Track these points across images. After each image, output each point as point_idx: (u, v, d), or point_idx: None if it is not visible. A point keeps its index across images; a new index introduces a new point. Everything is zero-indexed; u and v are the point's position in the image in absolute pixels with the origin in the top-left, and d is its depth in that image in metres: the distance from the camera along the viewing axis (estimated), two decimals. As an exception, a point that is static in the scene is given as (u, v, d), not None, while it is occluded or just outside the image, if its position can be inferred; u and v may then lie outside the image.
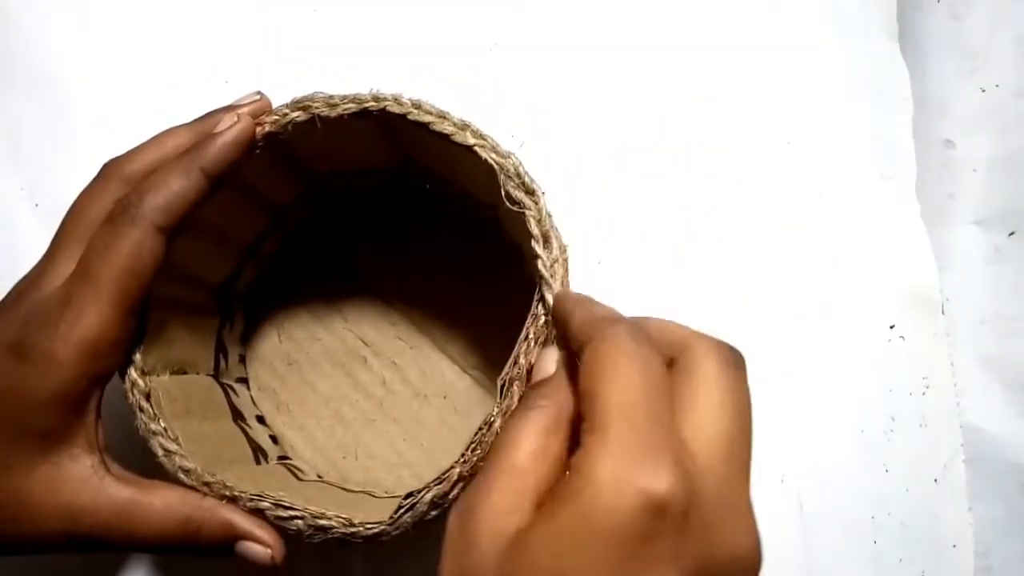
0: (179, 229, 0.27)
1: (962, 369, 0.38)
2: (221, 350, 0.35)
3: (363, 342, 0.38)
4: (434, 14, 0.41)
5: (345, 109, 0.28)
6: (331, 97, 0.28)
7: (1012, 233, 0.38)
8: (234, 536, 0.27)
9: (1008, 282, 0.38)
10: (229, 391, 0.35)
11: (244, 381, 0.37)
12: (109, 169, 0.28)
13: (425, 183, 0.35)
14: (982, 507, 0.37)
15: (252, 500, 0.26)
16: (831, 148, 0.40)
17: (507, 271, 0.35)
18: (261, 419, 0.36)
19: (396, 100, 0.28)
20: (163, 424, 0.27)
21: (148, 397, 0.27)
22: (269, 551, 0.27)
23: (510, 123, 0.39)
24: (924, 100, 0.40)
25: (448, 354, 0.37)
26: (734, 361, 0.21)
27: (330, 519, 0.26)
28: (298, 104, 0.28)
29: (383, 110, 0.28)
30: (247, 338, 0.38)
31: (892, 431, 0.38)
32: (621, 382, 0.19)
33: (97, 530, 0.26)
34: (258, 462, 0.33)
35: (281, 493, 0.27)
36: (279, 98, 0.29)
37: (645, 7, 0.41)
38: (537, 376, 0.23)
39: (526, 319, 0.26)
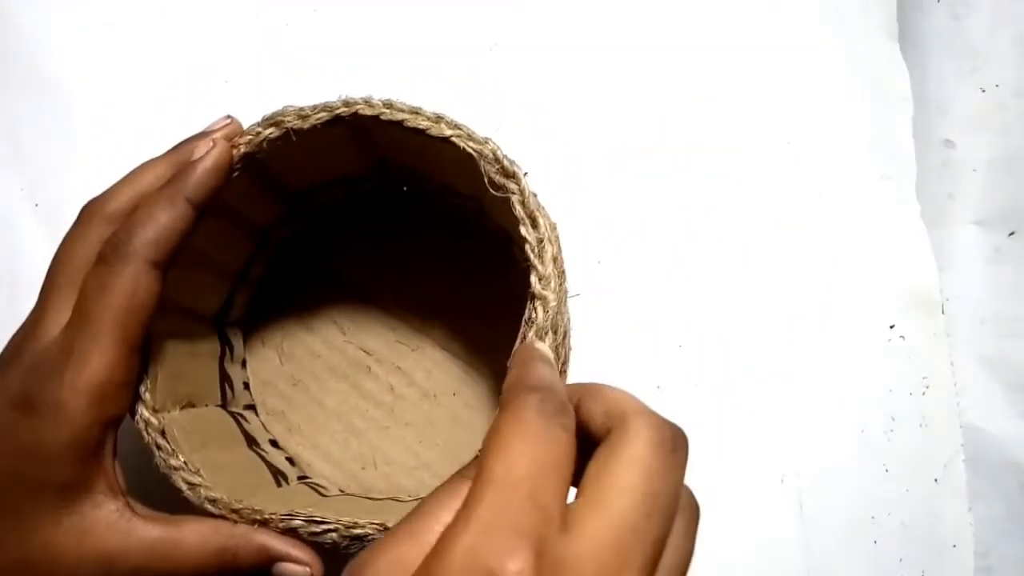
0: (172, 262, 0.27)
1: (962, 369, 0.38)
2: (225, 380, 0.35)
3: (364, 351, 0.37)
4: (434, 14, 0.41)
5: (318, 119, 0.28)
6: (301, 109, 0.28)
7: (1012, 233, 0.38)
8: (270, 559, 0.26)
9: (1008, 282, 0.38)
10: (239, 419, 0.35)
11: (252, 408, 0.37)
12: (89, 210, 0.27)
13: (402, 185, 0.35)
14: (982, 507, 0.37)
15: (284, 520, 0.26)
16: (831, 148, 0.40)
17: (498, 259, 0.35)
18: (274, 443, 0.36)
19: (367, 103, 0.27)
20: (183, 458, 0.27)
21: (163, 434, 0.27)
22: (307, 569, 0.26)
23: (510, 123, 0.39)
24: (924, 100, 0.40)
25: (451, 351, 0.37)
26: (670, 445, 0.19)
27: (364, 527, 0.26)
28: (270, 121, 0.28)
29: (355, 114, 0.27)
30: (248, 364, 0.37)
31: (892, 431, 0.38)
32: (506, 456, 0.18)
33: (132, 572, 0.25)
34: (279, 485, 0.32)
35: (310, 509, 0.26)
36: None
37: (645, 7, 0.41)
38: None
39: (523, 302, 0.26)
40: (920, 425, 0.38)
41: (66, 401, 0.24)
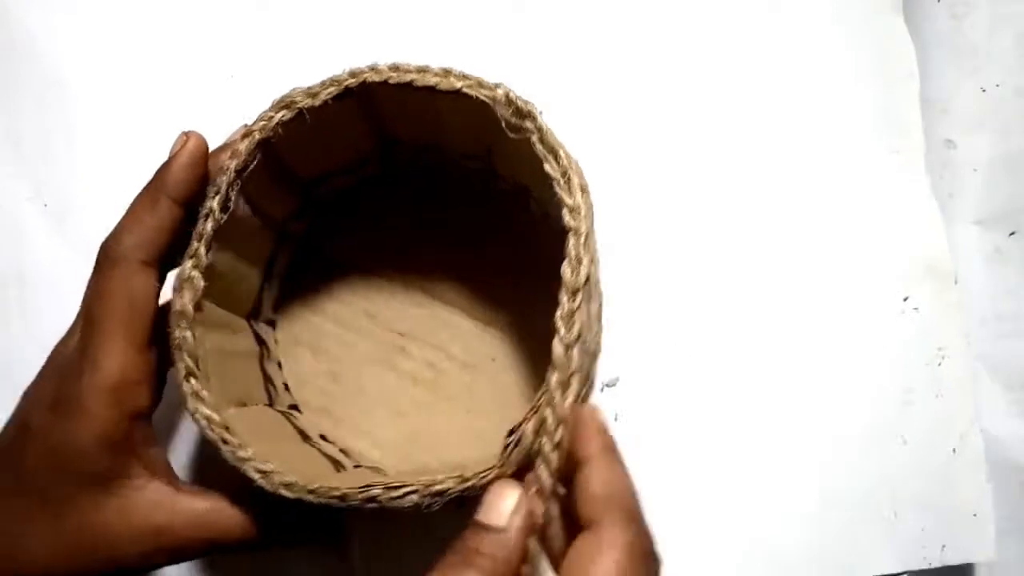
0: (169, 257, 0.27)
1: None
2: (267, 380, 0.34)
3: (397, 333, 0.37)
4: (441, 10, 0.41)
5: (328, 94, 0.28)
6: (310, 88, 0.28)
7: (1012, 233, 0.38)
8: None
9: (1009, 282, 0.38)
10: (288, 416, 0.34)
11: (295, 407, 0.36)
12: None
13: (411, 158, 0.35)
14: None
15: (362, 492, 0.25)
16: (838, 124, 0.40)
17: (513, 220, 0.35)
18: (324, 437, 0.36)
19: (373, 69, 0.27)
20: (251, 450, 0.26)
21: (227, 429, 0.27)
22: None
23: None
24: (925, 100, 0.40)
25: (481, 319, 0.37)
26: (642, 553, 0.21)
27: (443, 482, 0.25)
28: (281, 104, 0.28)
29: (363, 83, 0.27)
30: (284, 365, 0.37)
31: (908, 403, 0.37)
32: None
33: (180, 543, 0.27)
34: (338, 472, 0.32)
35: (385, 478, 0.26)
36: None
37: (656, 10, 0.41)
38: (486, 516, 0.23)
39: (543, 258, 0.25)
40: (936, 396, 0.37)
41: (87, 401, 0.25)
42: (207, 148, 0.28)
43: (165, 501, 0.27)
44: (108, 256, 0.27)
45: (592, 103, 0.40)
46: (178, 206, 0.27)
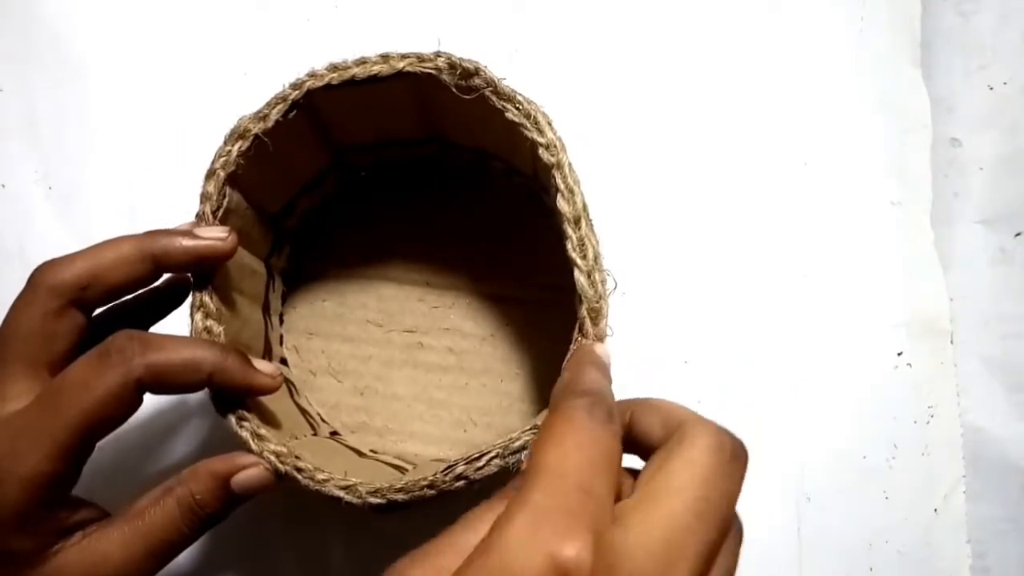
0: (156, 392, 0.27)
1: (965, 370, 0.38)
2: (304, 414, 0.35)
3: (408, 331, 0.38)
4: (441, 13, 0.42)
5: (277, 112, 0.28)
6: (258, 112, 0.28)
7: (1018, 234, 0.37)
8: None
9: (1013, 283, 0.37)
10: (338, 440, 0.35)
11: (336, 434, 0.36)
12: (36, 278, 0.26)
13: (364, 162, 0.35)
14: (982, 507, 0.37)
15: (447, 472, 0.26)
16: (847, 172, 0.40)
17: (473, 187, 0.36)
18: (374, 451, 0.36)
19: (312, 75, 0.28)
20: (327, 472, 0.26)
21: (298, 458, 0.27)
22: (266, 472, 0.27)
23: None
24: (931, 98, 0.39)
25: (483, 292, 0.37)
26: (728, 454, 0.19)
27: (519, 438, 0.26)
28: (235, 135, 0.28)
29: (307, 92, 0.28)
30: (311, 398, 0.37)
31: (894, 458, 0.37)
32: (558, 450, 0.18)
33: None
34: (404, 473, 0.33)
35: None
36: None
37: (662, 27, 0.41)
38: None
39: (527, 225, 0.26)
40: (922, 454, 0.37)
41: (4, 482, 0.24)
42: (229, 256, 0.28)
43: (86, 556, 0.25)
44: (124, 358, 0.24)
45: (592, 104, 0.41)
46: (156, 272, 0.27)
